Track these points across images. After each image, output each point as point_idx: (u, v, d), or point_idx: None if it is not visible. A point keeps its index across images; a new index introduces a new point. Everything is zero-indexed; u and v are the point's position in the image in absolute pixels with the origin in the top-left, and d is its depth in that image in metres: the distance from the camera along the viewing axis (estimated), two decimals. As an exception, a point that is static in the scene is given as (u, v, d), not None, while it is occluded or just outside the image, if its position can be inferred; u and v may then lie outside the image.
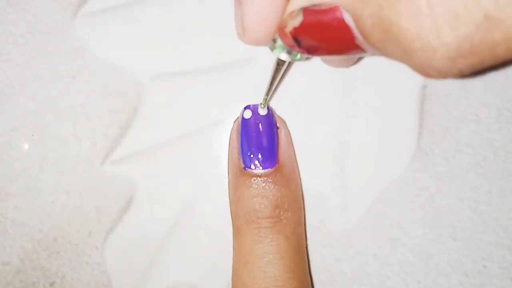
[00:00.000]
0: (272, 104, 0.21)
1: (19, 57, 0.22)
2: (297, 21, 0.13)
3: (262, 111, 0.20)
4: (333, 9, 0.12)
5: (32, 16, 0.22)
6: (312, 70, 0.22)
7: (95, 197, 0.22)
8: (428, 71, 0.11)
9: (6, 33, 0.22)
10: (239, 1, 0.14)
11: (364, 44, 0.12)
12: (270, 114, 0.20)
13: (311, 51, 0.14)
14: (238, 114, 0.21)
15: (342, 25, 0.12)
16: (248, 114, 0.20)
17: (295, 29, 0.13)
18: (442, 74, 0.11)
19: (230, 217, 0.21)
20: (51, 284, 0.23)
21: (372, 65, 0.22)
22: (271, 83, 0.18)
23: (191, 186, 0.22)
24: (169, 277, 0.22)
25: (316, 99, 0.22)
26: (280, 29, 0.14)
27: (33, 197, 0.22)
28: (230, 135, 0.21)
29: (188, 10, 0.22)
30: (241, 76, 0.22)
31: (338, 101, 0.22)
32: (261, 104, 0.20)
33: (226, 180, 0.21)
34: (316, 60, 0.22)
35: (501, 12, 0.10)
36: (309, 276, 0.21)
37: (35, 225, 0.22)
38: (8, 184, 0.22)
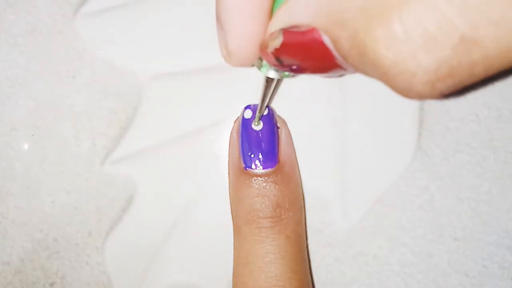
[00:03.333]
0: (272, 104, 0.21)
1: (19, 57, 0.22)
2: (277, 42, 0.13)
3: (257, 128, 0.20)
4: (311, 30, 0.12)
5: (32, 16, 0.22)
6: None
7: (95, 197, 0.22)
8: (408, 94, 0.11)
9: (6, 33, 0.22)
10: (221, 25, 0.14)
11: (344, 64, 0.12)
12: (271, 114, 0.20)
13: (295, 70, 0.14)
14: (238, 114, 0.21)
15: (321, 46, 0.12)
16: (248, 114, 0.20)
17: (276, 49, 0.13)
18: (423, 97, 0.11)
19: (231, 217, 0.21)
20: (51, 284, 0.23)
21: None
22: (263, 100, 0.18)
23: (191, 186, 0.22)
24: (169, 277, 0.22)
25: (316, 99, 0.22)
26: (262, 49, 0.14)
27: (33, 197, 0.22)
28: (231, 135, 0.21)
29: (188, 10, 0.22)
30: (241, 76, 0.22)
31: (338, 101, 0.22)
32: (255, 121, 0.20)
33: (226, 180, 0.21)
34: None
35: (477, 33, 0.09)
36: (309, 276, 0.21)
37: (35, 225, 0.22)
38: (8, 184, 0.22)
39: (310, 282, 0.21)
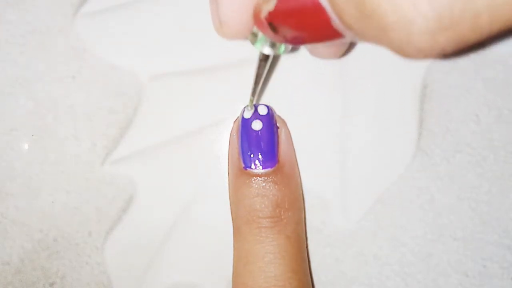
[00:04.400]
0: (272, 103, 0.21)
1: (19, 57, 0.22)
2: (271, 4, 0.12)
3: (248, 114, 0.20)
4: None
5: (32, 16, 0.22)
6: (312, 70, 0.22)
7: (95, 197, 0.22)
8: (407, 49, 0.10)
9: (6, 33, 0.22)
10: None
11: (340, 27, 0.11)
12: (270, 113, 0.20)
13: (289, 38, 0.13)
14: (238, 114, 0.21)
15: (316, 7, 0.11)
16: (248, 114, 0.20)
17: (270, 13, 0.13)
18: (423, 52, 0.10)
19: (230, 217, 0.21)
20: (51, 284, 0.23)
21: (372, 65, 0.22)
22: (256, 81, 0.17)
23: (191, 186, 0.22)
24: (169, 277, 0.22)
25: (316, 99, 0.22)
26: (255, 15, 0.13)
27: (33, 197, 0.22)
28: (230, 135, 0.21)
29: (188, 10, 0.22)
30: (241, 76, 0.22)
31: (338, 101, 0.22)
32: (247, 106, 0.20)
33: (226, 180, 0.21)
34: (315, 59, 0.21)
35: None
36: (309, 276, 0.21)
37: (35, 225, 0.22)
38: (8, 184, 0.22)
39: (310, 282, 0.21)
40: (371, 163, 0.22)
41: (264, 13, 0.13)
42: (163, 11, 0.22)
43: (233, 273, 0.20)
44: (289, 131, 0.21)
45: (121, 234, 0.22)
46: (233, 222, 0.21)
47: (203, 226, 0.22)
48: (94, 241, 0.23)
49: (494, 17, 0.09)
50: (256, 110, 0.20)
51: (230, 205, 0.21)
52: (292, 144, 0.21)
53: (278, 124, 0.21)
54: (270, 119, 0.20)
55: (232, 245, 0.21)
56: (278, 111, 0.21)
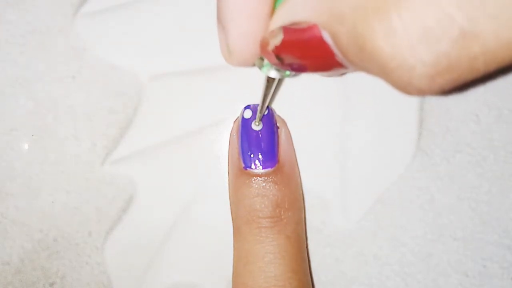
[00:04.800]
0: (272, 104, 0.21)
1: (19, 57, 0.22)
2: (278, 39, 0.13)
3: (257, 128, 0.20)
4: (311, 27, 0.12)
5: (32, 16, 0.22)
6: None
7: (95, 197, 0.22)
8: (407, 89, 0.11)
9: (6, 33, 0.22)
10: (222, 25, 0.14)
11: (344, 61, 0.12)
12: (270, 113, 0.20)
13: (295, 68, 0.14)
14: (238, 114, 0.21)
15: (321, 43, 0.12)
16: (248, 114, 0.20)
17: (277, 47, 0.13)
18: (422, 92, 0.11)
19: (230, 217, 0.21)
20: (51, 284, 0.23)
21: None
22: (264, 101, 0.18)
23: (191, 186, 0.22)
24: (169, 277, 0.22)
25: (316, 99, 0.22)
26: (262, 47, 0.14)
27: (33, 197, 0.22)
28: (230, 135, 0.21)
29: (188, 10, 0.22)
30: (241, 76, 0.22)
31: (338, 101, 0.22)
32: (255, 122, 0.20)
33: (226, 180, 0.21)
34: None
35: (476, 26, 0.09)
36: (309, 276, 0.21)
37: (35, 225, 0.22)
38: (8, 184, 0.22)
39: (310, 282, 0.21)
40: (371, 163, 0.22)
41: (271, 46, 0.13)
42: (163, 11, 0.22)
43: (233, 273, 0.20)
44: (289, 131, 0.21)
45: (121, 234, 0.22)
46: (233, 222, 0.21)
47: (203, 226, 0.22)
48: (94, 241, 0.23)
49: (490, 60, 0.10)
50: (257, 110, 0.20)
51: (230, 205, 0.21)
52: (292, 144, 0.21)
53: (278, 124, 0.21)
54: (270, 119, 0.20)
55: (232, 245, 0.21)
56: (278, 111, 0.21)
